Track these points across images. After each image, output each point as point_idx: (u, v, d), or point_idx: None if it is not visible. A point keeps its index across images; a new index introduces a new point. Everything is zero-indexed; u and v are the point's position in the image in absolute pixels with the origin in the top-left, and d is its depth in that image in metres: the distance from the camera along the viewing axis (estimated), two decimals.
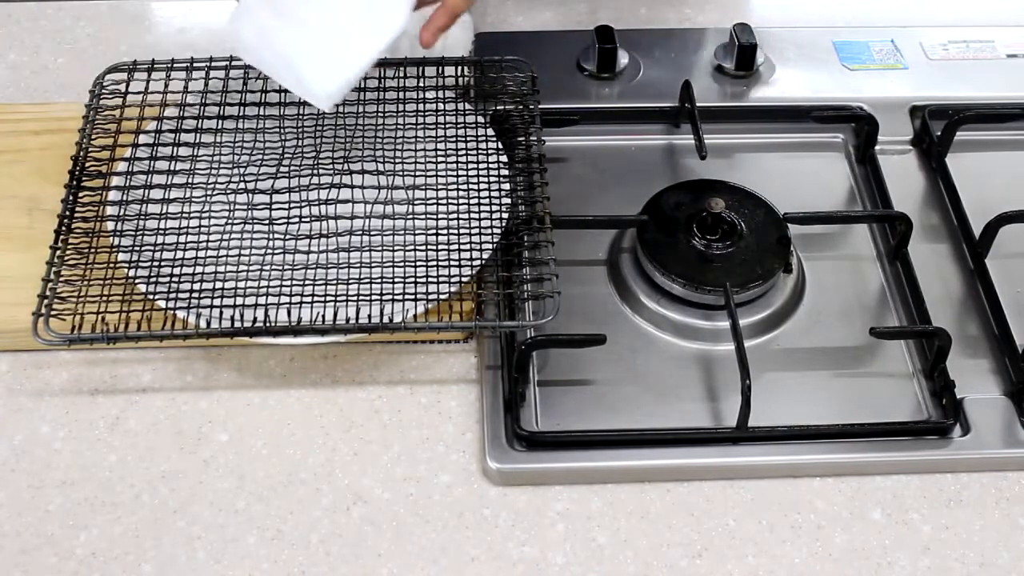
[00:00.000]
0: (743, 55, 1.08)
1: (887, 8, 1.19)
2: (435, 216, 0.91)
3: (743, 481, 0.84)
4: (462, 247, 0.89)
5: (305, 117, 0.96)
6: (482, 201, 0.91)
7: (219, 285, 0.86)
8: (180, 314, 0.84)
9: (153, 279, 0.86)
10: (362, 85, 0.98)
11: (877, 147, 1.04)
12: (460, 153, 0.95)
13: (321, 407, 0.87)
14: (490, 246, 0.89)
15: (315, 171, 0.94)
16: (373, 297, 0.86)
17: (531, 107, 0.97)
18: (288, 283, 0.87)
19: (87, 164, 0.92)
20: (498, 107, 1.00)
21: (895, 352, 0.91)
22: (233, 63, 0.98)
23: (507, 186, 0.92)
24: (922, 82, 1.10)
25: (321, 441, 0.85)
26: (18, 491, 0.83)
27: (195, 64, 0.98)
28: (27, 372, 0.89)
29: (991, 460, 0.85)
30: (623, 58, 1.09)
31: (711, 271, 0.92)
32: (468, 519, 0.82)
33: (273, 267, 0.88)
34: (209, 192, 0.92)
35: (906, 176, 1.03)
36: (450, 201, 0.92)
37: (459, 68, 1.00)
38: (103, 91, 0.97)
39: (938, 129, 1.04)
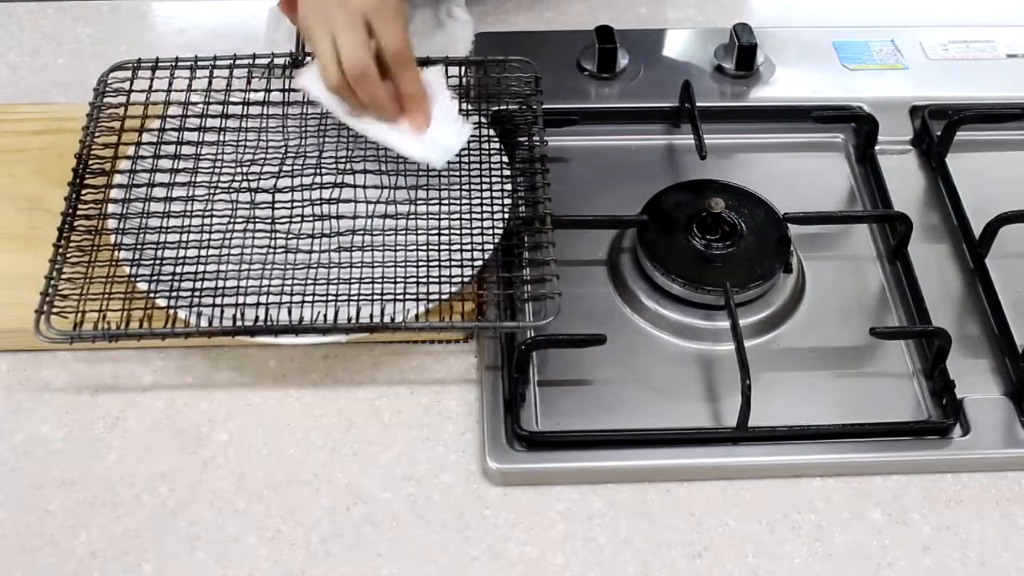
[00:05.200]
0: (743, 55, 1.08)
1: (887, 8, 1.19)
2: (436, 216, 0.91)
3: (743, 481, 0.84)
4: (463, 247, 0.89)
5: (309, 116, 0.96)
6: (484, 202, 0.91)
7: (220, 284, 0.86)
8: (181, 313, 0.84)
9: (155, 278, 0.86)
10: None
11: (877, 147, 1.04)
12: (462, 153, 0.95)
13: (321, 407, 0.87)
14: (491, 246, 0.89)
15: (317, 170, 0.93)
16: (374, 297, 0.86)
17: (534, 107, 0.97)
18: (290, 283, 0.87)
19: (90, 162, 0.92)
20: (500, 107, 1.00)
21: (895, 352, 0.91)
22: (237, 62, 0.98)
23: (508, 187, 0.92)
24: (922, 82, 1.10)
25: (321, 441, 0.86)
26: (18, 491, 0.83)
27: (199, 63, 0.98)
28: (27, 372, 0.89)
29: (991, 460, 0.85)
30: (623, 58, 1.09)
31: (711, 271, 0.92)
32: (468, 519, 0.82)
33: (275, 266, 0.88)
34: (212, 191, 0.92)
35: (906, 176, 1.03)
36: (451, 201, 0.92)
37: (462, 68, 1.00)
38: (107, 89, 0.97)
39: (938, 129, 1.04)
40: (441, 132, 0.90)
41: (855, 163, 1.05)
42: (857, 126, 1.06)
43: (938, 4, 1.21)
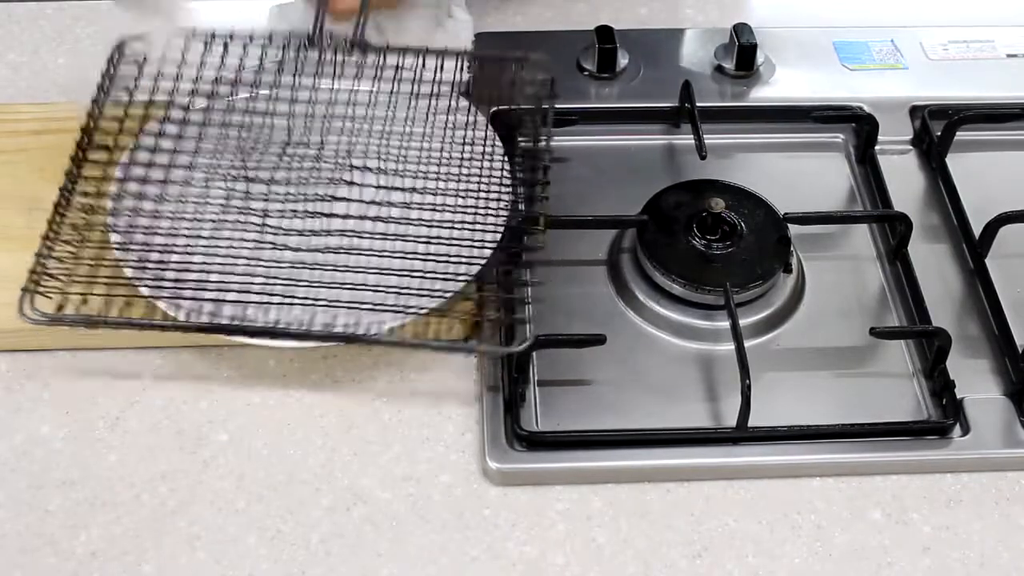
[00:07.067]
0: (743, 55, 1.08)
1: (887, 8, 1.19)
2: (429, 223, 0.90)
3: (743, 481, 0.84)
4: (451, 259, 0.87)
5: (316, 103, 0.96)
6: (479, 212, 0.90)
7: (204, 277, 0.86)
8: (162, 304, 0.84)
9: (141, 264, 0.86)
10: (378, 74, 0.97)
11: (877, 147, 1.04)
12: (466, 158, 0.94)
13: (321, 407, 0.87)
14: (480, 261, 0.87)
15: (317, 164, 0.93)
16: (352, 304, 0.85)
17: (545, 107, 0.95)
18: (273, 282, 0.86)
19: (95, 136, 0.91)
20: (506, 107, 0.99)
21: (895, 352, 0.91)
22: (252, 40, 0.97)
23: (506, 197, 0.91)
24: (922, 82, 1.10)
25: (321, 441, 0.86)
26: (18, 491, 0.83)
27: (215, 37, 0.97)
28: (27, 372, 0.89)
29: (991, 460, 0.85)
30: (623, 58, 1.09)
31: (711, 271, 0.92)
32: (468, 519, 0.82)
33: (260, 263, 0.87)
34: (209, 176, 0.92)
35: (906, 176, 1.03)
36: (446, 208, 0.91)
37: (459, 61, 0.99)
38: (120, 60, 0.96)
39: (938, 129, 1.04)
40: None
41: (855, 163, 1.05)
42: (857, 126, 1.06)
43: (938, 4, 1.22)
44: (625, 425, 0.86)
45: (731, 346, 0.87)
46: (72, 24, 1.15)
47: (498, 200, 0.92)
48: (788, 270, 0.94)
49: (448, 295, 0.86)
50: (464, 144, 0.96)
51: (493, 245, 0.88)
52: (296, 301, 0.85)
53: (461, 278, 0.87)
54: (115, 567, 0.79)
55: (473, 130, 0.97)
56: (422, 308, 0.85)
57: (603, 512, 0.82)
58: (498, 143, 0.96)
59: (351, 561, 0.80)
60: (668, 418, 0.86)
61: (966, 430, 0.85)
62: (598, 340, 0.86)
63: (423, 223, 0.90)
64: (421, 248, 0.89)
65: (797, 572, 0.80)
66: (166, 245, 0.87)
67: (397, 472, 0.84)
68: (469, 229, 0.89)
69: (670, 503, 0.83)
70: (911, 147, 1.06)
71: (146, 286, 0.85)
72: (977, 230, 0.96)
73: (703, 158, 0.99)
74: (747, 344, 0.87)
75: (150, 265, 0.86)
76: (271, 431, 0.86)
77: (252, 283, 0.86)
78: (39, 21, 1.16)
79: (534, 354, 0.88)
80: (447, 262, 0.88)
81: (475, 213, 0.91)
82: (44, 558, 0.79)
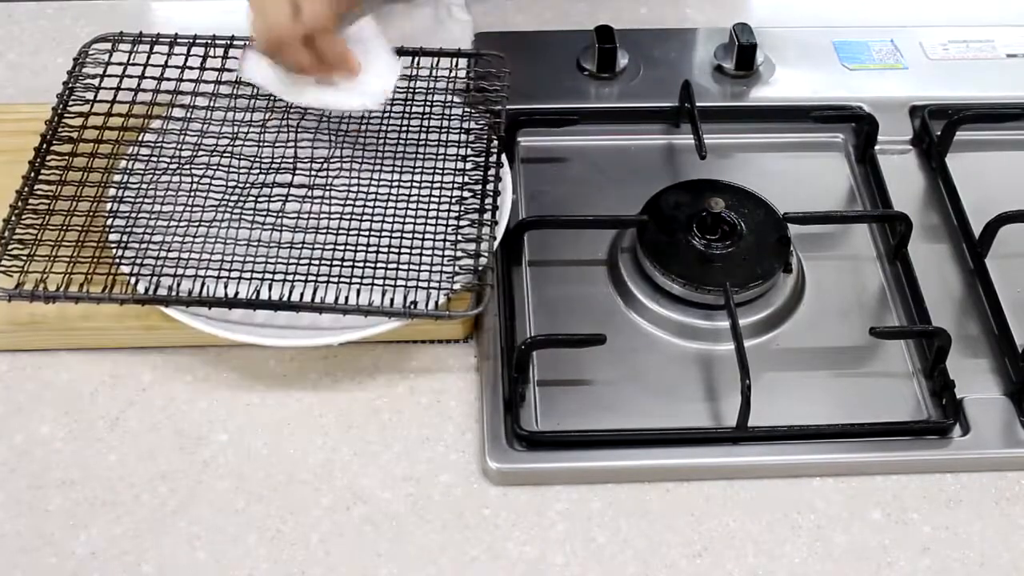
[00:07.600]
0: (743, 55, 1.08)
1: (887, 8, 1.19)
2: (394, 218, 0.91)
3: (743, 481, 0.84)
4: (412, 251, 0.88)
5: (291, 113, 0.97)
6: (440, 209, 0.91)
7: (163, 253, 0.87)
8: (129, 278, 0.85)
9: (102, 244, 0.87)
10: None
11: (877, 147, 1.04)
12: (450, 155, 0.95)
13: (321, 407, 0.87)
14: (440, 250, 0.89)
15: (275, 160, 0.94)
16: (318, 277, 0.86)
17: (497, 108, 0.96)
18: (230, 257, 0.87)
19: (60, 131, 0.93)
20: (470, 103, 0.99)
21: (895, 352, 0.91)
22: (216, 42, 0.99)
23: (459, 192, 0.92)
24: (922, 82, 1.10)
25: (321, 441, 0.86)
26: (18, 491, 0.83)
27: (178, 39, 0.99)
28: (27, 372, 0.89)
29: (991, 460, 0.85)
30: (623, 58, 1.09)
31: (711, 271, 0.92)
32: (468, 519, 0.82)
33: (218, 240, 0.88)
34: (177, 157, 0.93)
35: (906, 176, 1.03)
36: (411, 200, 0.92)
37: (454, 61, 1.00)
38: (87, 60, 0.98)
39: (938, 129, 1.04)
40: (374, 76, 0.92)
41: (855, 163, 1.05)
42: (857, 126, 1.06)
43: (938, 4, 1.22)
44: (625, 425, 0.86)
45: (731, 346, 0.87)
46: (72, 24, 1.15)
47: (449, 200, 0.92)
48: (788, 270, 0.94)
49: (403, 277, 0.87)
50: (450, 145, 0.96)
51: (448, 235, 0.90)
52: (254, 275, 0.86)
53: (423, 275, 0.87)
54: (115, 567, 0.79)
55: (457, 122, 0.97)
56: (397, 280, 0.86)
57: (603, 512, 0.82)
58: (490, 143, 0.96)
59: (351, 561, 0.80)
60: (668, 418, 0.86)
61: (966, 430, 0.85)
62: (598, 340, 0.86)
63: (396, 210, 0.91)
64: (385, 242, 0.89)
65: (797, 572, 0.80)
66: (127, 225, 0.89)
67: (397, 472, 0.84)
68: (432, 225, 0.90)
69: (670, 503, 0.83)
70: (911, 147, 1.06)
71: (106, 263, 0.86)
72: (977, 230, 0.96)
73: (703, 158, 0.99)
74: (747, 344, 0.87)
75: (110, 244, 0.87)
76: (271, 431, 0.86)
77: (211, 259, 0.87)
78: (39, 21, 1.16)
79: (534, 354, 0.88)
80: (408, 253, 0.88)
81: (448, 210, 0.91)
82: (44, 558, 0.79)
